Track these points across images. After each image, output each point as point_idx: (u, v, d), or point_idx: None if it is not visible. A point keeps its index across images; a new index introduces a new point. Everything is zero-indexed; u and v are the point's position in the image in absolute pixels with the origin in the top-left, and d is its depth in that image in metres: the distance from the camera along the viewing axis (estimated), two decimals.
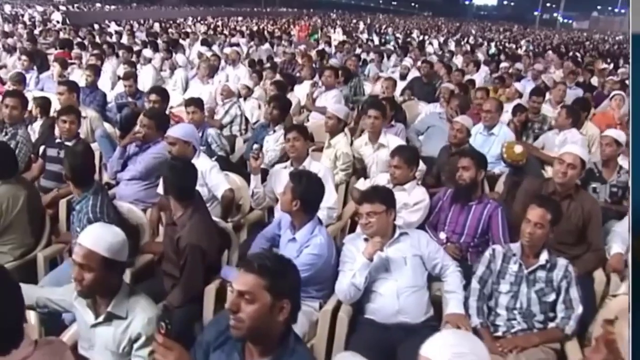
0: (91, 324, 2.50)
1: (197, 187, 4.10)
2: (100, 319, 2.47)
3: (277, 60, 12.74)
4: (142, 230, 3.88)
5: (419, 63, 11.07)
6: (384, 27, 33.66)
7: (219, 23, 26.17)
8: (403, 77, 10.51)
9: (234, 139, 6.64)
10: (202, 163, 4.26)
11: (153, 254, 3.75)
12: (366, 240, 3.38)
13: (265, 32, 20.66)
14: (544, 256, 3.28)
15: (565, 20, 79.79)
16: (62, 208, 4.52)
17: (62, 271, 3.66)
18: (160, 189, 4.42)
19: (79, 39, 13.54)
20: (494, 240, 4.03)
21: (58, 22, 19.37)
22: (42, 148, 5.21)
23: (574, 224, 4.00)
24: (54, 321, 3.02)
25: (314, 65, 10.24)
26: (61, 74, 8.44)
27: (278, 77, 9.32)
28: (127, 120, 6.69)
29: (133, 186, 4.62)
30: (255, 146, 4.52)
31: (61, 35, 14.53)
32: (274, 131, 5.63)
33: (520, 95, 8.61)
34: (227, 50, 10.71)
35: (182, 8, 40.72)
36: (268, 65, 10.84)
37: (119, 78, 9.06)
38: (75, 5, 30.24)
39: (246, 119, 7.01)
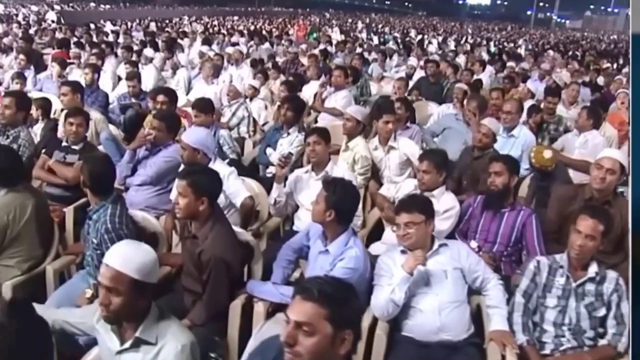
0: (116, 350, 2.26)
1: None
2: (127, 344, 2.24)
3: (279, 59, 12.54)
4: (158, 241, 3.62)
5: (421, 62, 10.87)
6: (380, 26, 33.48)
7: (215, 22, 25.90)
8: (409, 76, 10.28)
9: (242, 141, 6.40)
10: (219, 169, 4.00)
11: (171, 267, 3.50)
12: (403, 252, 3.15)
13: (263, 32, 20.38)
14: (593, 268, 3.08)
15: (559, 20, 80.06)
16: (69, 216, 4.27)
17: (73, 286, 3.41)
18: (173, 195, 4.19)
19: (75, 39, 13.23)
20: (528, 250, 3.85)
21: (53, 21, 19.04)
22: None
23: (613, 231, 3.79)
24: (68, 343, 2.76)
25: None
26: (60, 73, 8.17)
27: (282, 77, 9.13)
28: (131, 122, 6.46)
29: (144, 192, 4.38)
30: (283, 152, 4.28)
31: (57, 35, 14.19)
32: (288, 134, 5.39)
33: (533, 96, 8.41)
34: (229, 49, 10.46)
35: (176, 8, 40.35)
36: (269, 64, 10.68)
37: (119, 78, 8.85)
38: (70, 4, 29.84)
39: (254, 120, 6.76)
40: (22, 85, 6.94)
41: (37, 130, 5.62)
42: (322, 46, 14.26)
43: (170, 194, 4.32)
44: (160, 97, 5.53)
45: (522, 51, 20.10)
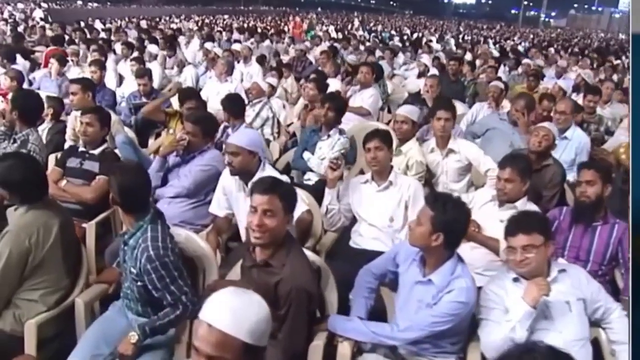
0: None
1: None
2: None
3: (284, 57, 11.97)
4: (206, 265, 3.04)
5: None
6: (371, 24, 32.97)
7: (207, 21, 25.23)
8: (422, 74, 9.76)
9: (267, 144, 5.83)
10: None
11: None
12: (516, 280, 2.62)
13: (258, 29, 19.74)
14: None
15: (544, 19, 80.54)
16: (91, 234, 3.68)
17: (109, 321, 2.83)
18: (213, 208, 3.62)
19: (67, 37, 12.53)
20: (626, 269, 3.35)
21: (42, 18, 18.27)
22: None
23: None
24: None
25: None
26: (60, 71, 7.53)
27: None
28: (143, 124, 5.90)
29: (178, 205, 3.81)
30: (335, 154, 3.73)
31: (47, 32, 13.46)
32: (328, 136, 4.82)
33: (564, 94, 7.93)
34: (237, 46, 9.85)
35: (162, 7, 39.52)
36: (272, 63, 10.13)
37: (120, 76, 8.24)
38: (57, 3, 28.97)
39: (278, 121, 6.19)
40: (17, 84, 6.25)
41: (42, 132, 5.01)
42: (326, 44, 13.69)
43: (208, 206, 3.75)
44: (190, 104, 4.94)
45: (521, 49, 19.66)
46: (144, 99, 6.23)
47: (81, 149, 4.04)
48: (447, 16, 71.65)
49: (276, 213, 2.48)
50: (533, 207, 3.57)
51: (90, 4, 32.84)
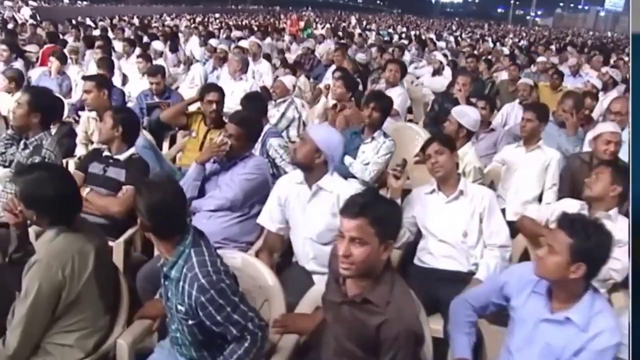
0: None
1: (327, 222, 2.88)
2: None
3: (288, 55, 11.48)
4: (269, 296, 2.56)
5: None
6: (364, 23, 32.52)
7: (198, 19, 24.65)
8: (437, 72, 9.33)
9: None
10: (340, 187, 3.01)
11: (299, 334, 2.44)
12: None
13: (253, 27, 19.22)
14: None
15: (532, 17, 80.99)
16: (118, 253, 3.19)
17: None
18: (264, 220, 3.14)
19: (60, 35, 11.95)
20: None
21: (32, 16, 17.59)
22: None
23: None
24: None
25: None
26: (60, 69, 6.99)
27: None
28: (158, 125, 5.37)
29: (220, 220, 3.32)
30: (381, 159, 3.32)
31: (38, 31, 12.84)
32: (372, 138, 4.35)
33: (597, 92, 7.51)
34: (244, 43, 9.32)
35: (150, 5, 38.79)
36: (276, 61, 9.66)
37: (124, 75, 7.72)
38: (45, 1, 28.21)
39: (303, 122, 5.72)
40: (16, 84, 5.71)
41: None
42: (328, 41, 13.23)
43: (254, 220, 3.27)
44: (211, 95, 4.46)
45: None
46: (156, 99, 5.73)
47: (105, 153, 3.54)
48: (434, 15, 71.71)
49: (367, 241, 2.01)
50: (625, 220, 3.13)
51: (79, 2, 32.08)
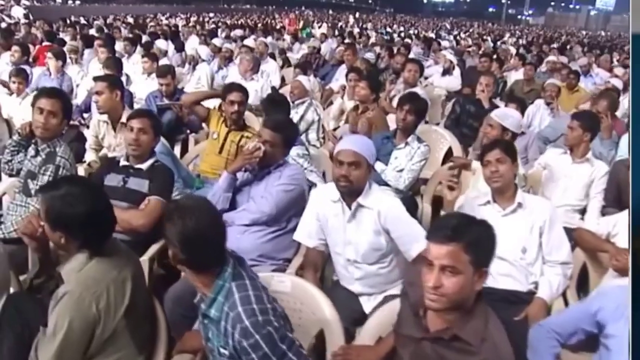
0: None
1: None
2: None
3: (291, 54, 11.19)
4: (325, 326, 2.26)
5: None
6: (360, 22, 32.26)
7: (193, 19, 24.25)
8: (446, 71, 9.06)
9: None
10: (381, 200, 2.71)
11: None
12: None
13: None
14: None
15: (521, 17, 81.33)
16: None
17: None
18: (302, 237, 2.85)
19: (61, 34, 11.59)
20: None
21: (25, 15, 17.14)
22: None
23: None
24: None
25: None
26: (60, 69, 6.66)
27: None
28: (170, 129, 5.09)
29: (254, 235, 3.01)
30: (415, 165, 3.07)
31: (33, 30, 12.46)
32: (406, 143, 4.06)
33: (619, 94, 7.26)
34: (250, 42, 9.00)
35: (142, 5, 38.29)
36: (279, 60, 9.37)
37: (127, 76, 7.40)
38: (37, 0, 27.71)
39: (322, 124, 5.42)
40: (23, 84, 5.42)
41: None
42: (331, 41, 12.94)
43: (291, 235, 2.97)
44: (234, 95, 4.16)
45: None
46: (165, 100, 5.40)
47: (123, 162, 3.22)
48: (426, 14, 71.74)
49: (461, 270, 1.73)
50: None
51: (70, 1, 31.57)
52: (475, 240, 1.75)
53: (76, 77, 7.32)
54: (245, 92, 4.27)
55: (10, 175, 3.57)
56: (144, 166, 3.17)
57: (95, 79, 4.40)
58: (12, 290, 2.45)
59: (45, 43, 8.88)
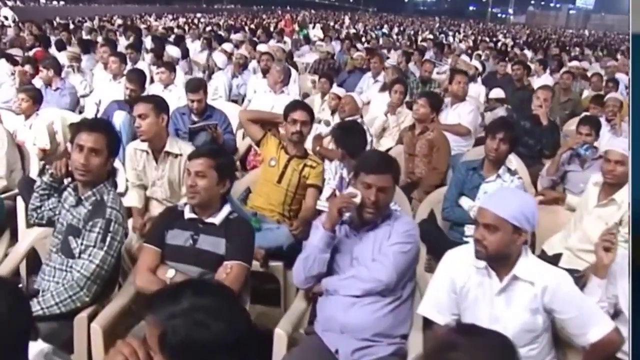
0: None
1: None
2: None
3: (299, 59, 10.58)
4: None
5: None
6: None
7: (181, 20, 23.48)
8: (471, 79, 8.46)
9: None
10: (543, 275, 2.13)
11: None
12: None
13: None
14: None
15: (502, 15, 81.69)
16: None
17: None
18: (430, 312, 2.26)
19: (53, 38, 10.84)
20: None
21: (7, 17, 16.20)
22: None
23: None
24: None
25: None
26: (56, 80, 5.98)
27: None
28: None
29: (368, 307, 2.37)
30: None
31: (21, 33, 11.67)
32: (497, 176, 3.49)
33: None
34: (263, 47, 8.36)
35: (124, 5, 37.33)
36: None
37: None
38: (21, 1, 26.69)
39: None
40: (32, 105, 4.66)
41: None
42: (333, 44, 12.30)
43: (408, 304, 2.38)
44: (297, 114, 3.56)
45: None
46: (194, 118, 4.68)
47: (189, 214, 2.59)
48: (408, 13, 71.57)
49: None
50: None
51: (54, 2, 30.55)
52: None
53: (79, 87, 6.64)
54: (310, 112, 3.67)
55: (39, 225, 2.92)
56: (217, 220, 2.53)
57: (139, 99, 3.73)
58: None
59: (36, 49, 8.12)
